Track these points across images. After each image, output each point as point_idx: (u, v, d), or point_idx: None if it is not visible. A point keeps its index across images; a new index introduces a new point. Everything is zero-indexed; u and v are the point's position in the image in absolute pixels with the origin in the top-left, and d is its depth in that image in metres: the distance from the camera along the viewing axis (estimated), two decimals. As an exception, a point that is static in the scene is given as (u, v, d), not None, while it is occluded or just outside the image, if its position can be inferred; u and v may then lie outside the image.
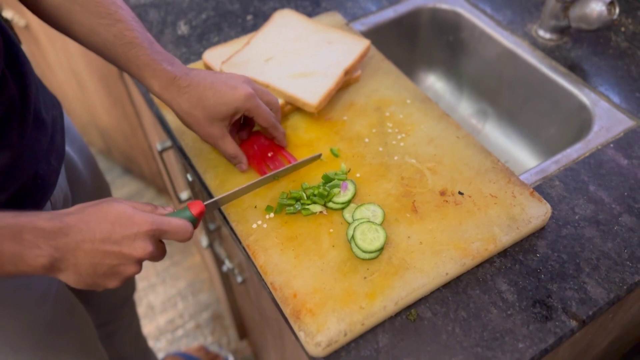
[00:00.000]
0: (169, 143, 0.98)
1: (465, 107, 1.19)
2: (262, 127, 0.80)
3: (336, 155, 0.81)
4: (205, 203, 0.71)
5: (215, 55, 0.93)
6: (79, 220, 0.59)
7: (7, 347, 0.81)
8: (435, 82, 1.24)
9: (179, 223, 0.65)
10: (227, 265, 1.18)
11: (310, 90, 0.86)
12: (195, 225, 0.69)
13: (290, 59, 0.91)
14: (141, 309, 1.84)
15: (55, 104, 0.86)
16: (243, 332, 1.67)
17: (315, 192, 0.75)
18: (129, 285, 1.26)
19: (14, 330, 0.81)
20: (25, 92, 0.74)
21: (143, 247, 0.61)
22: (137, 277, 1.92)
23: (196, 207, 0.69)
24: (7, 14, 1.78)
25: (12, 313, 0.79)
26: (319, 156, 0.82)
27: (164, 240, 0.66)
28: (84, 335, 0.96)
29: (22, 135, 0.72)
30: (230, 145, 0.77)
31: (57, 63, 1.84)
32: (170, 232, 0.64)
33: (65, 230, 0.57)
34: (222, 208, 0.77)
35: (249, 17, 1.10)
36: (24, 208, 0.69)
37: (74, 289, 0.96)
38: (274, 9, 1.11)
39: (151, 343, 1.75)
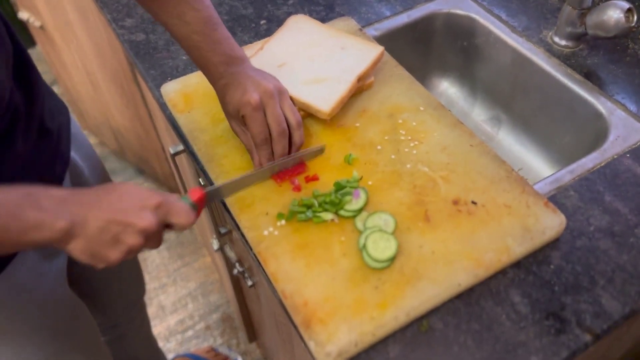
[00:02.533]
0: (181, 147, 0.99)
1: (478, 113, 1.18)
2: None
3: (350, 164, 0.81)
4: (206, 190, 0.72)
5: (228, 60, 0.93)
6: (90, 192, 0.63)
7: (11, 351, 0.82)
8: (448, 88, 1.24)
9: (183, 206, 0.67)
10: (238, 268, 1.18)
11: (323, 97, 0.85)
12: (196, 213, 0.70)
13: (303, 65, 0.90)
14: (152, 309, 1.84)
15: (62, 111, 0.86)
16: (253, 334, 1.67)
17: (327, 199, 0.75)
18: (138, 287, 1.26)
19: (18, 333, 0.81)
20: (31, 101, 0.75)
21: (148, 218, 0.62)
22: (148, 277, 1.93)
23: (195, 194, 0.70)
24: (23, 15, 1.80)
25: (14, 318, 0.80)
26: (322, 148, 0.82)
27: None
28: (88, 337, 0.97)
29: (26, 144, 0.73)
30: (247, 141, 0.80)
31: (72, 64, 1.85)
32: (174, 211, 0.65)
33: (76, 197, 0.61)
34: (234, 214, 0.77)
35: (263, 22, 1.10)
36: None
37: (83, 292, 0.97)
38: (288, 14, 1.10)
39: (161, 344, 1.75)
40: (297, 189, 0.78)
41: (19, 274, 0.77)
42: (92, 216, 0.60)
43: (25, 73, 0.74)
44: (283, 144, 0.78)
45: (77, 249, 0.60)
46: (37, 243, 0.58)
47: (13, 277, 0.76)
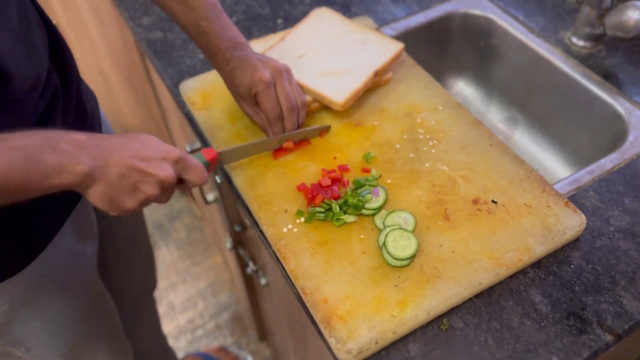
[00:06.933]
0: (198, 145, 0.99)
1: (494, 114, 1.18)
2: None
3: (368, 162, 0.81)
4: (219, 151, 0.76)
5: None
6: (112, 138, 0.63)
7: (43, 332, 0.83)
8: (464, 88, 1.23)
9: (199, 164, 0.69)
10: (251, 267, 1.18)
11: (338, 89, 0.86)
12: (208, 171, 0.73)
13: (322, 57, 0.91)
14: (162, 308, 1.85)
15: (92, 97, 0.89)
16: (263, 333, 1.67)
17: (349, 202, 0.74)
18: (149, 279, 1.27)
19: (52, 316, 0.83)
20: (67, 81, 0.76)
21: (167, 170, 0.64)
22: (158, 276, 1.93)
23: (209, 153, 0.74)
24: (38, 13, 1.80)
25: (51, 300, 0.81)
26: (328, 127, 0.85)
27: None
28: (111, 322, 0.99)
29: (65, 123, 0.75)
30: (261, 121, 0.83)
31: (85, 63, 1.86)
32: (190, 167, 0.67)
33: (97, 142, 0.60)
34: (253, 211, 0.77)
35: (279, 21, 1.11)
36: (68, 196, 0.74)
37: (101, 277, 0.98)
38: (305, 13, 1.11)
39: (171, 342, 1.76)
40: (336, 197, 0.76)
41: (56, 254, 0.78)
42: (113, 161, 0.60)
43: (59, 54, 0.76)
44: (293, 120, 0.81)
45: (96, 193, 0.60)
46: (59, 187, 0.57)
47: (51, 257, 0.77)
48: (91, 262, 0.89)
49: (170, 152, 0.65)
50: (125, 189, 0.62)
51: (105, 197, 0.61)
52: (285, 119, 0.81)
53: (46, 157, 0.55)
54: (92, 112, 0.84)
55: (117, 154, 0.60)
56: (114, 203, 0.62)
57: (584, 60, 1.00)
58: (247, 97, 0.81)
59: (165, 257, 2.00)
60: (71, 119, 0.76)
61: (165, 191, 0.65)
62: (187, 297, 1.89)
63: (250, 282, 1.39)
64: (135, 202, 0.63)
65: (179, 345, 1.77)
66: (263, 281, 1.13)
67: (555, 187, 0.81)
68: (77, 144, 0.58)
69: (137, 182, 0.62)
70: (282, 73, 0.79)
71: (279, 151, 0.83)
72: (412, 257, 0.69)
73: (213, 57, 0.82)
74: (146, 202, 0.64)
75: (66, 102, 0.75)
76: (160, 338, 1.43)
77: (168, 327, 1.81)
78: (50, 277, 0.79)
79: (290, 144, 0.82)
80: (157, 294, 1.89)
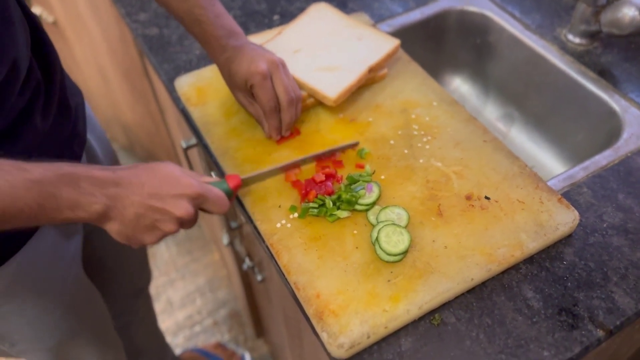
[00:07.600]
0: (194, 141, 0.99)
1: (491, 111, 1.18)
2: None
3: (363, 158, 0.81)
4: (243, 177, 0.74)
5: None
6: (131, 174, 0.62)
7: (27, 327, 0.83)
8: (461, 85, 1.24)
9: (219, 194, 0.68)
10: (248, 263, 1.18)
11: (331, 84, 0.86)
12: (230, 198, 0.71)
13: (318, 52, 0.91)
14: (160, 304, 1.85)
15: (77, 93, 0.88)
16: (260, 330, 1.67)
17: (343, 197, 0.74)
18: (144, 275, 1.27)
19: (35, 312, 0.83)
20: (50, 77, 0.76)
21: (185, 207, 0.63)
22: (157, 272, 1.94)
23: (233, 180, 0.72)
24: (36, 10, 1.81)
25: (34, 296, 0.81)
26: (356, 144, 0.83)
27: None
28: (99, 321, 0.98)
29: (46, 119, 0.74)
30: (255, 112, 0.83)
31: (83, 59, 1.86)
32: (210, 200, 0.67)
33: (117, 180, 0.61)
34: (247, 206, 0.78)
35: (276, 17, 1.11)
36: None
37: (91, 277, 0.98)
38: (301, 10, 1.11)
39: (169, 338, 1.76)
40: (330, 192, 0.76)
41: (38, 250, 0.78)
42: (130, 202, 0.61)
43: (42, 50, 0.76)
44: (291, 113, 0.81)
45: (113, 230, 0.62)
46: (72, 220, 0.59)
47: (33, 253, 0.77)
48: (76, 259, 0.88)
49: (189, 187, 0.64)
50: (142, 228, 0.63)
51: (122, 234, 0.63)
52: (284, 112, 0.81)
53: (63, 192, 0.56)
54: (76, 108, 0.84)
55: (135, 194, 0.61)
56: (132, 239, 0.64)
57: (580, 57, 1.01)
58: (242, 87, 0.81)
59: (164, 253, 2.01)
60: (52, 115, 0.75)
61: (184, 225, 0.66)
62: (185, 293, 1.89)
63: (246, 279, 1.39)
64: (154, 238, 0.65)
65: (176, 341, 1.77)
66: (259, 277, 1.13)
67: (550, 183, 0.81)
68: (96, 182, 0.59)
69: (155, 221, 0.63)
70: (279, 65, 0.79)
71: (290, 172, 0.81)
72: (405, 253, 0.70)
73: (208, 46, 0.82)
74: (165, 236, 0.65)
75: (48, 98, 0.75)
76: (157, 334, 1.44)
77: (166, 323, 1.81)
78: (32, 273, 0.79)
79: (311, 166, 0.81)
80: (156, 290, 1.89)
